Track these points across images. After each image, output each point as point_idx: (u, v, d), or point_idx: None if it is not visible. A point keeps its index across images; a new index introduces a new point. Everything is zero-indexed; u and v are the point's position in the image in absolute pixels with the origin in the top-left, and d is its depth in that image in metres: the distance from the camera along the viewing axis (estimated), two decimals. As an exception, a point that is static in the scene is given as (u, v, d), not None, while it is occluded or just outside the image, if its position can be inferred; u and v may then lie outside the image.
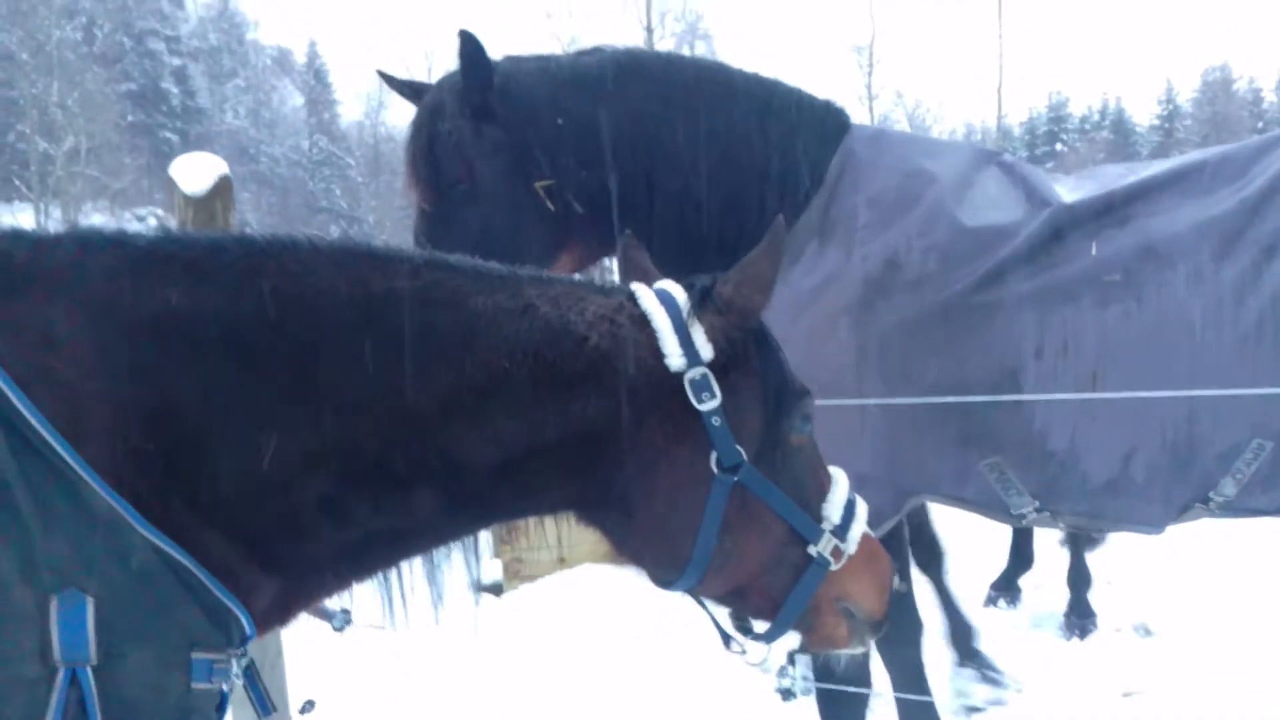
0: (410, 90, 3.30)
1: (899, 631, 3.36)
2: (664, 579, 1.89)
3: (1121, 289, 2.64)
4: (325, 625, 3.01)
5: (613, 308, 1.81)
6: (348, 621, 3.00)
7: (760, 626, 1.98)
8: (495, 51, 3.12)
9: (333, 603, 2.83)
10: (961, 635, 4.48)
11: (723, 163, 2.87)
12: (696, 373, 1.78)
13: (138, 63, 49.90)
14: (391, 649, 4.55)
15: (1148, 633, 5.12)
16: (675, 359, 1.78)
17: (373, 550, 1.76)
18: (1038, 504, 2.75)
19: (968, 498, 2.78)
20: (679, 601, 5.60)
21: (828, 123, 2.95)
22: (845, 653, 2.01)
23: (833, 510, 1.91)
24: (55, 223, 38.14)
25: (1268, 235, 2.60)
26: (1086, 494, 2.71)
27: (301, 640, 3.54)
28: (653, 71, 3.02)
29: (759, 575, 1.88)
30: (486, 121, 3.04)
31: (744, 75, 3.05)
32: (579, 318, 1.77)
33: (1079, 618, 5.30)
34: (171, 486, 1.50)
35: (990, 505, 2.79)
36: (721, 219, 2.86)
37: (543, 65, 3.10)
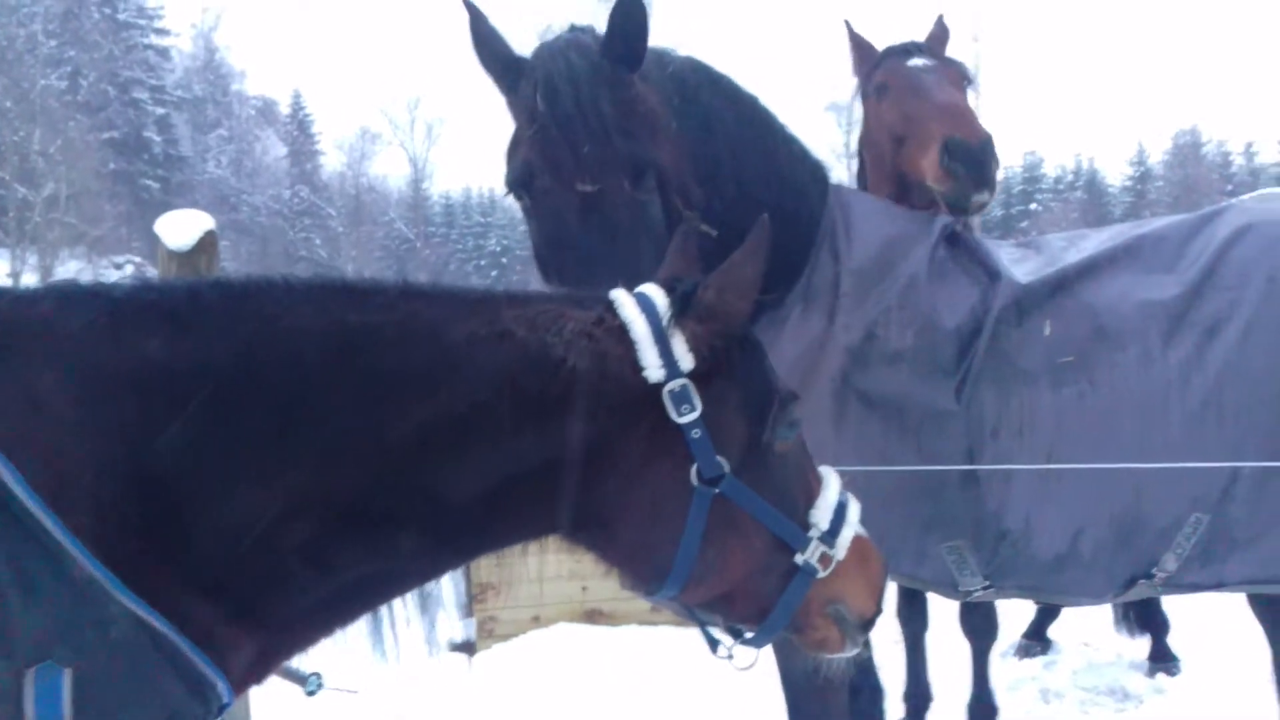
0: (488, 39, 2.57)
1: (862, 699, 3.38)
2: (646, 589, 1.88)
3: (1075, 370, 2.73)
4: (296, 688, 2.96)
5: (591, 322, 1.78)
6: (320, 685, 2.95)
7: (750, 631, 1.96)
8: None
9: (305, 665, 2.79)
10: (980, 711, 4.50)
11: (776, 206, 2.70)
12: (676, 384, 1.75)
13: (121, 111, 50.00)
14: (364, 712, 4.48)
15: (1126, 697, 5.11)
16: (654, 371, 1.75)
17: (357, 595, 1.74)
18: (987, 583, 2.82)
19: (923, 577, 2.85)
20: (656, 660, 5.54)
21: (820, 179, 2.98)
22: (839, 656, 1.97)
23: (821, 516, 1.88)
24: (32, 269, 37.95)
25: (1207, 318, 2.73)
26: (1035, 570, 2.78)
27: (271, 703, 3.48)
28: (725, 90, 2.82)
29: (744, 584, 1.86)
30: (655, 97, 2.55)
31: (770, 112, 2.94)
32: (556, 338, 1.74)
33: (1162, 661, 5.35)
34: (153, 549, 1.48)
35: (942, 584, 2.86)
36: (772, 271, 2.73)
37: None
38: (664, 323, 1.78)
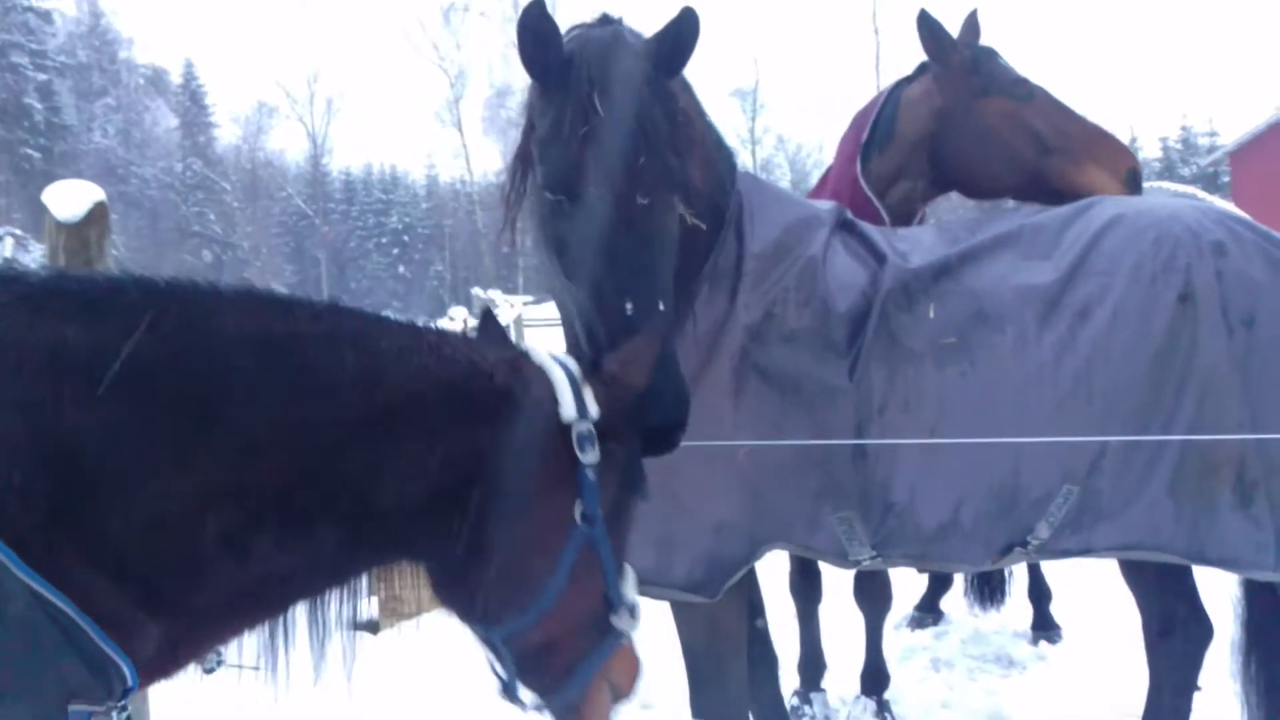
0: (540, 34, 2.42)
1: (758, 668, 3.48)
2: (497, 619, 1.95)
3: (957, 351, 2.87)
4: (195, 667, 2.92)
5: (511, 357, 1.94)
6: (219, 662, 2.92)
7: (528, 693, 2.05)
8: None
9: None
10: (873, 679, 4.67)
11: (707, 195, 2.79)
12: (584, 426, 1.92)
13: (-1, 76, 47.62)
14: (265, 691, 4.41)
15: (1011, 664, 5.34)
16: (569, 409, 1.92)
17: (269, 591, 1.75)
18: (874, 552, 2.95)
19: (815, 546, 2.95)
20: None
21: (732, 166, 3.04)
22: None
23: (629, 589, 2.03)
24: (-99, 241, 35.92)
25: (1079, 302, 2.90)
26: (919, 539, 2.92)
27: (169, 683, 3.41)
28: (679, 80, 2.76)
29: (575, 630, 1.99)
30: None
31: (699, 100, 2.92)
32: (482, 359, 1.88)
33: (1044, 629, 5.63)
34: (59, 528, 1.46)
35: (833, 553, 2.98)
36: (684, 251, 2.69)
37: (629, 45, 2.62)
38: (578, 375, 1.98)
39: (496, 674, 2.06)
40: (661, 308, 2.26)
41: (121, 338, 1.55)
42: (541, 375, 1.95)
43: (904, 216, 4.00)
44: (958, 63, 3.91)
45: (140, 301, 1.60)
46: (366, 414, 1.71)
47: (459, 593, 1.98)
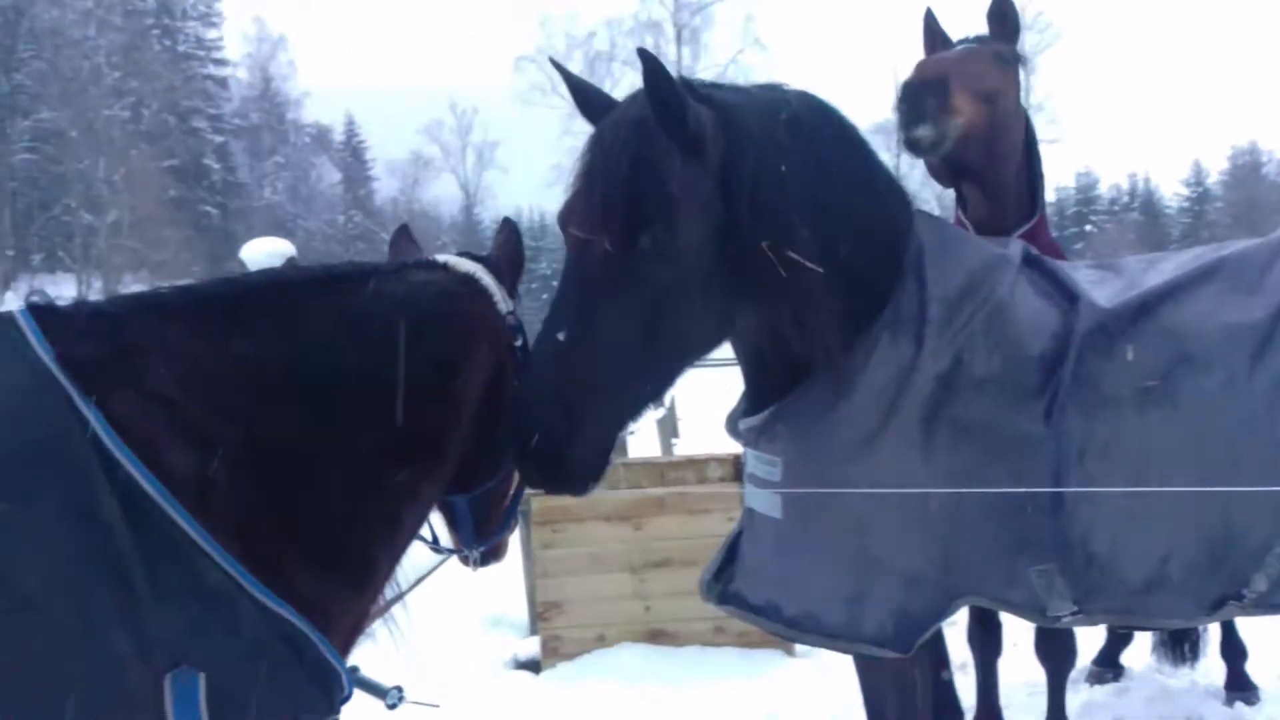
0: (582, 91, 2.63)
1: (944, 718, 3.35)
2: (472, 486, 2.24)
3: (1160, 394, 2.70)
4: (377, 702, 3.00)
5: (452, 277, 2.19)
6: (401, 698, 2.99)
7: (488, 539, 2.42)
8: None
9: (387, 679, 2.83)
10: None
11: (876, 238, 2.75)
12: (511, 316, 2.28)
13: (181, 140, 51.16)
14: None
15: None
16: (504, 303, 2.27)
17: (413, 534, 2.04)
18: (1076, 607, 2.78)
19: (1011, 601, 2.80)
20: (719, 681, 5.48)
21: (906, 205, 2.90)
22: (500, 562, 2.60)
23: None
24: (96, 294, 38.87)
25: None
26: (1124, 594, 2.75)
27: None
28: (836, 124, 2.77)
29: (510, 487, 2.36)
30: (695, 159, 2.43)
31: (867, 140, 2.87)
32: (453, 286, 2.15)
33: (1239, 690, 5.21)
34: (281, 530, 1.56)
35: (1030, 608, 2.81)
36: (856, 291, 2.68)
37: (748, 98, 2.62)
38: (491, 274, 2.27)
39: (428, 540, 2.33)
40: (561, 338, 2.19)
41: (268, 341, 1.71)
42: (473, 279, 2.21)
43: None
44: None
45: (259, 304, 1.77)
46: (437, 354, 1.95)
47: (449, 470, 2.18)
